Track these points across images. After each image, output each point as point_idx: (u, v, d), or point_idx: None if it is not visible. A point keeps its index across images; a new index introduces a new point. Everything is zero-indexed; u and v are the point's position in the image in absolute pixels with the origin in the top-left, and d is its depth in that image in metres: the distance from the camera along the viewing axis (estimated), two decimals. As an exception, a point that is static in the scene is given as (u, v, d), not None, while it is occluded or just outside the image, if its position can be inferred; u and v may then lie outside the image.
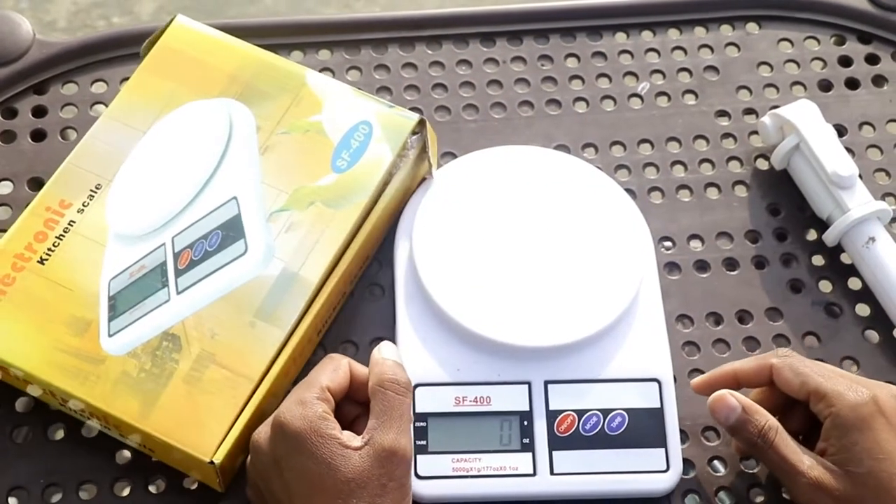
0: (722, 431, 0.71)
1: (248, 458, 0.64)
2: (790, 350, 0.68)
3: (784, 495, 0.69)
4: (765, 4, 0.88)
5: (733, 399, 0.65)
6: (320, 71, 0.80)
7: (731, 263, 0.78)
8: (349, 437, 0.61)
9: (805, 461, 0.63)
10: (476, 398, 0.69)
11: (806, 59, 0.86)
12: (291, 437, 0.60)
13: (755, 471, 0.70)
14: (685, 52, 0.86)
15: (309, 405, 0.61)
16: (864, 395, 0.63)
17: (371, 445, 0.60)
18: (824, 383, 0.64)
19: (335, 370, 0.64)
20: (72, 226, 0.71)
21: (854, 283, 0.77)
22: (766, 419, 0.65)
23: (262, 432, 0.63)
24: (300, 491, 0.60)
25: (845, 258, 0.78)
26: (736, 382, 0.68)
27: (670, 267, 0.77)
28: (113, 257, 0.70)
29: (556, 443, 0.68)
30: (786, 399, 0.67)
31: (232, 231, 0.70)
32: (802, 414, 0.67)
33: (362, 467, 0.59)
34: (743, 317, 0.76)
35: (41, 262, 0.70)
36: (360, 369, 0.66)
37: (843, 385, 0.64)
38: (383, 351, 0.65)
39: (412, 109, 0.74)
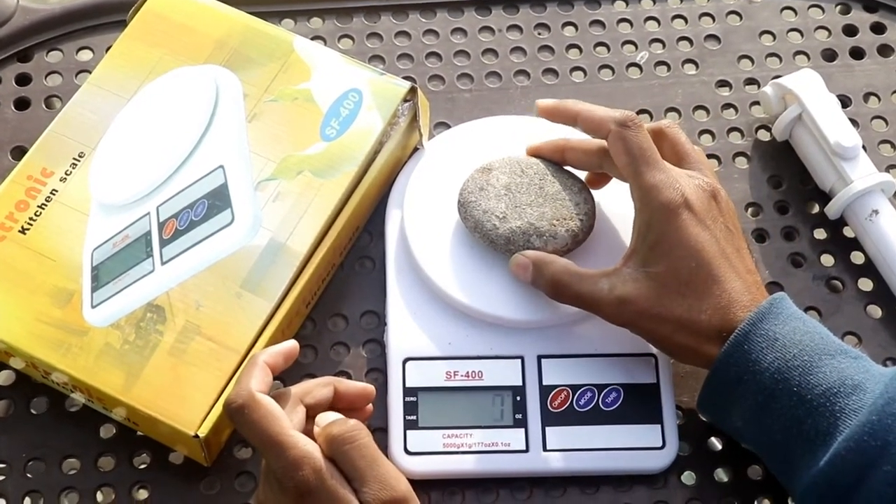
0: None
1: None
2: (672, 123, 0.65)
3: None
4: (768, -28, 0.86)
5: (524, 258, 0.66)
6: (311, 39, 0.78)
7: (730, 236, 0.76)
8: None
9: (603, 287, 0.63)
10: (468, 373, 0.68)
11: (809, 27, 0.84)
12: None
13: (753, 448, 0.69)
14: (686, 20, 0.84)
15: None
16: (676, 194, 0.61)
17: None
18: (645, 175, 0.62)
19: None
20: (54, 195, 0.69)
21: (857, 257, 0.75)
22: (551, 268, 0.64)
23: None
24: None
25: (848, 231, 0.76)
26: (575, 121, 0.68)
27: (668, 240, 0.75)
28: (96, 227, 0.68)
29: (549, 418, 0.67)
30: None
31: (218, 200, 0.68)
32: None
33: None
34: (742, 291, 0.74)
35: (23, 231, 0.68)
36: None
37: (663, 180, 0.62)
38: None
39: (405, 79, 0.72)
